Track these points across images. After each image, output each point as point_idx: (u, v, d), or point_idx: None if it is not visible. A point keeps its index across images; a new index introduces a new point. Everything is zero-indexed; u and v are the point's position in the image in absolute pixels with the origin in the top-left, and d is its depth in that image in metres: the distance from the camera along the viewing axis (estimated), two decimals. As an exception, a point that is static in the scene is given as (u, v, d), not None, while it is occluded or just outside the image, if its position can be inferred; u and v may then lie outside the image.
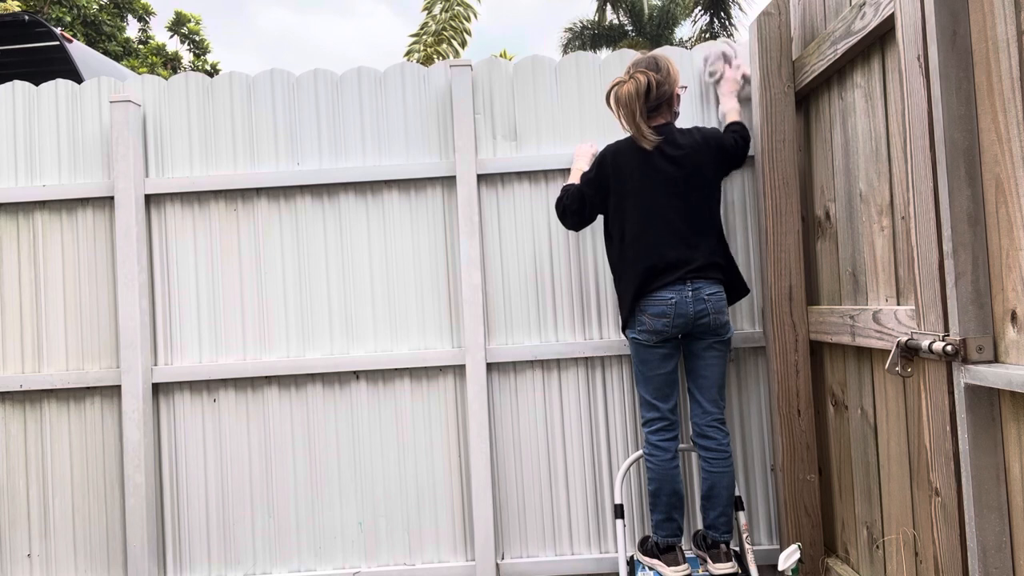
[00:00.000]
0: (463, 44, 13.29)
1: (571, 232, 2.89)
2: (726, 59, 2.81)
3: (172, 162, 2.96)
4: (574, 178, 2.71)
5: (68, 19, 13.00)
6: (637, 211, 2.47)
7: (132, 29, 16.38)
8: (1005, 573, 1.55)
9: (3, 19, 4.37)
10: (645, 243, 2.46)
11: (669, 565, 2.46)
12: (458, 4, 13.05)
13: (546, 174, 2.91)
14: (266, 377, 2.91)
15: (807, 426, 2.61)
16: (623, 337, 2.84)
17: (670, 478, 2.48)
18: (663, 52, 2.68)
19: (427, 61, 12.52)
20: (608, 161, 2.53)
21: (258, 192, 2.95)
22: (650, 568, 2.54)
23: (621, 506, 2.66)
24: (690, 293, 2.41)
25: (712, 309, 2.43)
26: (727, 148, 2.56)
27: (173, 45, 17.47)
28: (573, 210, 2.60)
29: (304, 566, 2.90)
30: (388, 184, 2.94)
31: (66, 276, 2.94)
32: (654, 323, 2.42)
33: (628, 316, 2.52)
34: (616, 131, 2.80)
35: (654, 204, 2.45)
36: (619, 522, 2.63)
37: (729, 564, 2.45)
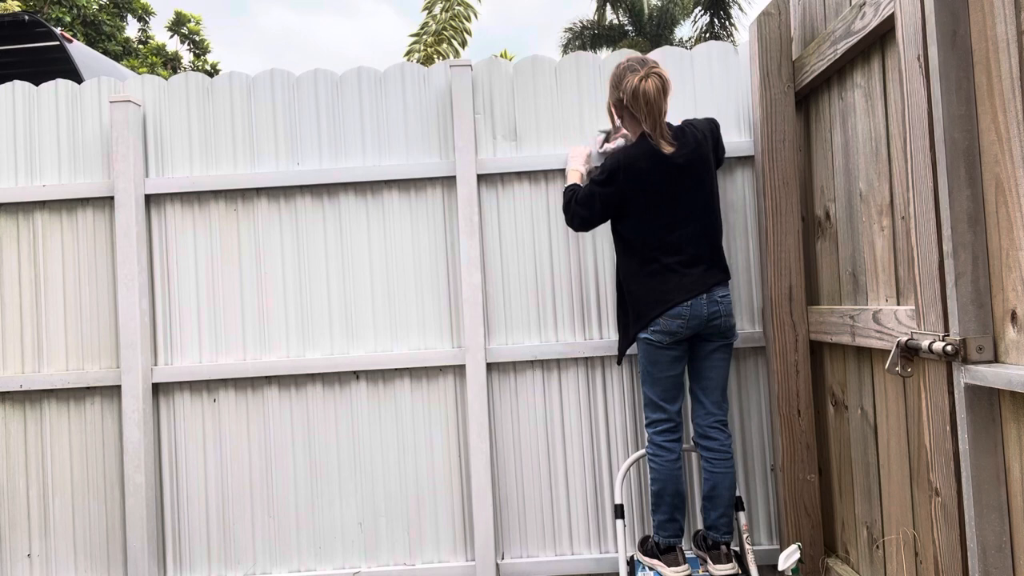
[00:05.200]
0: (463, 44, 13.28)
1: (571, 232, 2.89)
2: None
3: (172, 162, 2.96)
4: (572, 179, 2.70)
5: (68, 19, 12.99)
6: (657, 219, 2.44)
7: (132, 29, 16.39)
8: (1005, 573, 1.55)
9: (3, 19, 4.37)
10: (667, 252, 2.44)
11: (669, 565, 2.46)
12: (458, 4, 13.04)
13: (546, 174, 2.91)
14: (266, 377, 2.91)
15: (807, 426, 2.61)
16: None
17: (674, 479, 2.48)
18: (663, 52, 2.68)
19: (427, 61, 12.51)
20: (622, 169, 2.44)
21: (258, 192, 2.95)
22: (650, 568, 2.54)
23: (621, 506, 2.66)
24: (704, 295, 2.41)
25: (724, 312, 2.44)
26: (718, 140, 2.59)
27: (173, 45, 17.47)
28: (583, 216, 2.55)
29: (304, 566, 2.90)
30: (388, 184, 2.94)
31: (66, 276, 2.94)
32: (669, 324, 2.41)
33: (641, 318, 2.49)
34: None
35: (672, 210, 2.43)
36: (619, 522, 2.63)
37: (729, 565, 2.44)
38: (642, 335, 2.48)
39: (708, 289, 2.42)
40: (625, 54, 2.92)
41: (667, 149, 2.38)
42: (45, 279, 2.94)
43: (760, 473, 2.85)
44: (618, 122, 2.61)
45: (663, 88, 2.36)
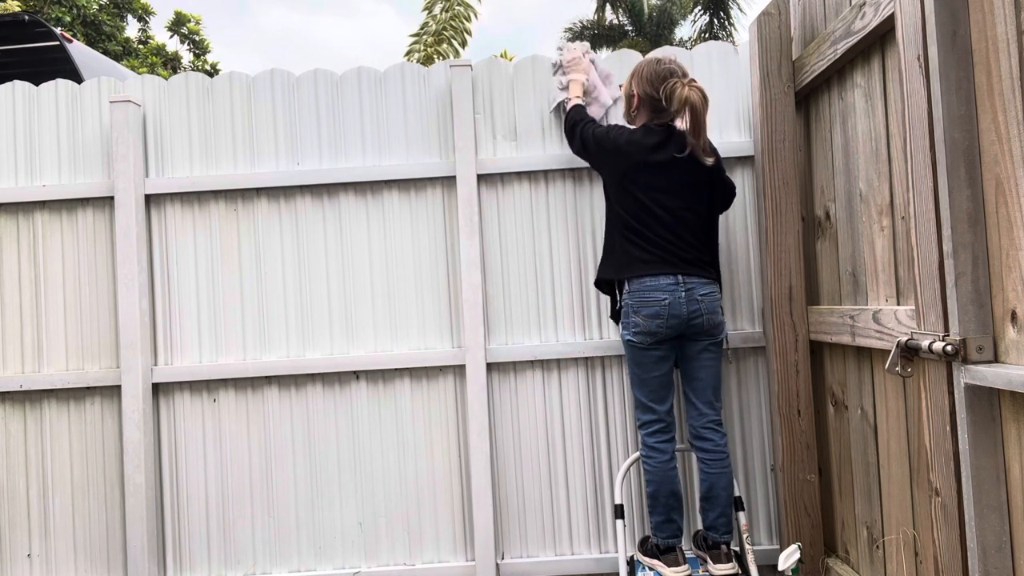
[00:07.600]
0: (463, 44, 13.29)
1: (571, 232, 2.90)
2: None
3: (172, 162, 2.96)
4: (575, 91, 2.76)
5: (68, 19, 12.99)
6: (641, 201, 2.45)
7: (132, 29, 16.38)
8: (1005, 573, 1.55)
9: (3, 19, 4.38)
10: (645, 231, 2.46)
11: (669, 566, 2.46)
12: (458, 4, 13.05)
13: (546, 174, 2.91)
14: (266, 377, 2.91)
15: (807, 426, 2.61)
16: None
17: (668, 480, 2.48)
18: (665, 52, 2.67)
19: (427, 61, 12.52)
20: (623, 144, 2.49)
21: (258, 192, 2.95)
22: (650, 568, 2.54)
23: (621, 506, 2.66)
24: (683, 293, 2.40)
25: (705, 310, 2.43)
26: None
27: (173, 45, 17.47)
28: (578, 150, 2.68)
29: (304, 566, 2.90)
30: (388, 184, 2.94)
31: (66, 276, 2.94)
32: (648, 324, 2.42)
33: (615, 284, 2.54)
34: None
35: (659, 197, 2.44)
36: (619, 522, 2.63)
37: (729, 564, 2.44)
38: (625, 336, 2.50)
39: (687, 288, 2.41)
40: (627, 54, 2.93)
41: (708, 161, 2.42)
42: (45, 279, 2.94)
43: (760, 473, 2.85)
44: (632, 113, 2.60)
45: (706, 101, 2.39)
